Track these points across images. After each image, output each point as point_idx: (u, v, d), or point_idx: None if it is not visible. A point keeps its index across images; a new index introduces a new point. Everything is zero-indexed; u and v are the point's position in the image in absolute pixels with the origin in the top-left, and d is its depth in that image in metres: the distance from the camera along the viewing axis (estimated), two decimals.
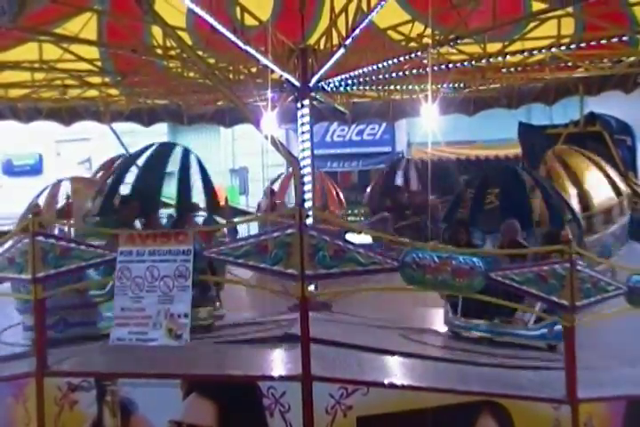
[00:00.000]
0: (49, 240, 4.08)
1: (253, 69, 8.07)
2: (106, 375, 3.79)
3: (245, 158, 16.71)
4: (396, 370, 4.17)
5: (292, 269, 3.55)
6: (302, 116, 7.08)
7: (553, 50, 7.24)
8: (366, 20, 6.12)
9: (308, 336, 3.59)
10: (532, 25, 7.06)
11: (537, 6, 6.81)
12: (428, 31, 7.00)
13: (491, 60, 7.27)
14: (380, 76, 7.52)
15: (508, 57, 7.41)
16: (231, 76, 8.11)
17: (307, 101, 7.09)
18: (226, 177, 17.40)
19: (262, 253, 3.58)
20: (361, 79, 7.51)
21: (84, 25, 7.51)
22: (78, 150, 19.82)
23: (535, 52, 7.18)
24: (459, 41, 6.91)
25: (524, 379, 4.19)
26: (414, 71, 7.35)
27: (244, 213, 9.95)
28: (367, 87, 8.48)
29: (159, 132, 16.76)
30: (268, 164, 11.59)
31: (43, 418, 3.86)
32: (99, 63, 8.24)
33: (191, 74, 7.92)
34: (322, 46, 7.54)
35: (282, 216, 5.67)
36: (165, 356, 3.96)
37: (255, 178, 15.26)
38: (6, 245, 4.28)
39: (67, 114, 10.23)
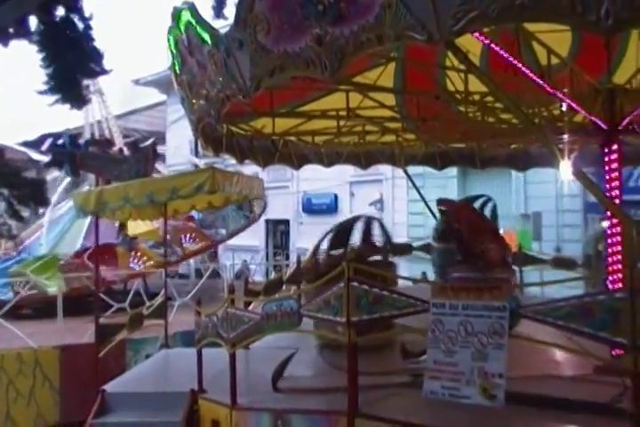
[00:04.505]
0: (363, 286, 4.27)
1: (555, 112, 7.77)
2: (414, 426, 3.82)
3: (538, 203, 16.16)
4: None
5: (621, 338, 3.24)
6: (610, 160, 6.64)
7: None
8: None
9: None
10: None
11: None
12: None
13: None
14: None
15: None
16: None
17: (615, 146, 6.64)
18: (517, 221, 16.97)
19: (586, 316, 3.34)
20: None
21: (381, 73, 7.93)
22: (370, 191, 20.86)
23: None
24: None
25: None
26: None
27: (538, 260, 9.61)
28: None
29: (448, 175, 16.99)
30: (562, 209, 11.17)
31: None
32: (396, 109, 8.60)
33: (491, 119, 7.84)
34: (633, 85, 7.05)
35: None
36: (483, 418, 3.86)
37: (548, 223, 14.72)
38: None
39: (364, 157, 10.74)
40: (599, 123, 6.60)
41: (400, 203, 19.91)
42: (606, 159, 6.69)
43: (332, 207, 22.73)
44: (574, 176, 4.22)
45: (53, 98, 8.96)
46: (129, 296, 12.70)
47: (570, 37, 7.49)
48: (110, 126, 23.24)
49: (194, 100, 6.24)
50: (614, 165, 6.66)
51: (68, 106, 9.36)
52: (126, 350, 10.74)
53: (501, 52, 5.65)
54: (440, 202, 8.07)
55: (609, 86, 6.84)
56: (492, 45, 5.43)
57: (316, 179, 20.00)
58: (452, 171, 16.55)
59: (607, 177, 6.66)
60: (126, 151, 20.41)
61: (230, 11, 10.47)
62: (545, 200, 15.75)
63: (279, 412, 4.96)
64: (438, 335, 3.76)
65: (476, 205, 10.05)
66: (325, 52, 3.88)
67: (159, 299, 9.55)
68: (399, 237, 13.91)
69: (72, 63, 7.75)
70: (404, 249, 11.27)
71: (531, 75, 5.92)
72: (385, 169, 17.49)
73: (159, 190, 7.33)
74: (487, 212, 9.52)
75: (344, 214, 19.59)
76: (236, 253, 21.80)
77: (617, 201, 6.51)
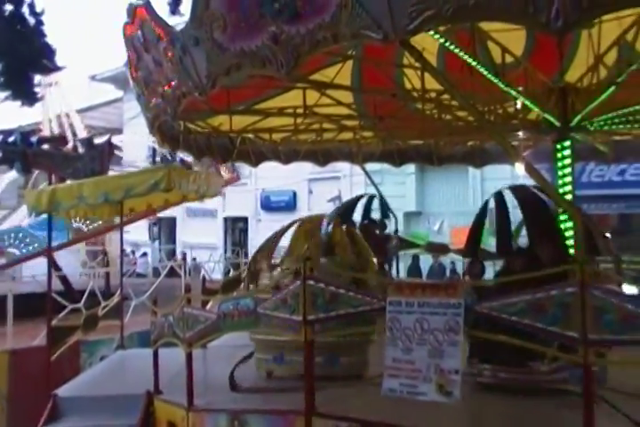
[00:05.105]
0: (319, 285, 4.27)
1: (510, 110, 7.88)
2: (372, 424, 3.83)
3: None
4: None
5: (572, 333, 3.29)
6: (563, 157, 6.77)
7: None
8: None
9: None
10: None
11: None
12: None
13: None
14: None
15: None
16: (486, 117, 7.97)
17: (567, 142, 6.78)
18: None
19: (539, 312, 3.38)
20: (632, 117, 6.99)
21: (339, 71, 7.93)
22: (329, 188, 20.88)
23: None
24: None
25: None
26: None
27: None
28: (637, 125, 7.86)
29: (407, 172, 17.11)
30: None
31: None
32: (354, 107, 8.61)
33: (448, 116, 7.91)
34: (583, 83, 7.18)
35: None
36: (440, 413, 3.88)
37: None
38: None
39: (322, 155, 10.72)
40: (552, 120, 6.73)
41: None
42: (559, 155, 6.83)
43: (291, 204, 22.70)
44: (526, 172, 4.28)
45: (3, 95, 8.71)
46: (84, 296, 12.46)
47: (524, 36, 7.60)
48: (72, 121, 22.75)
49: (150, 98, 6.16)
50: (567, 161, 6.80)
51: (18, 103, 9.11)
52: (80, 353, 10.48)
53: (456, 50, 5.72)
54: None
55: (561, 85, 6.97)
56: (447, 44, 5.48)
57: (275, 176, 19.92)
58: (410, 168, 16.67)
59: (560, 173, 6.80)
60: (80, 148, 20.07)
61: (186, 7, 10.33)
62: None
63: (236, 412, 4.92)
64: (395, 333, 3.77)
65: (362, 202, 10.16)
66: (281, 51, 3.88)
67: (115, 299, 9.42)
68: None
69: (23, 59, 7.53)
70: None
71: (486, 73, 6.00)
72: (343, 166, 17.52)
73: (114, 189, 7.22)
74: (375, 208, 9.56)
75: (303, 211, 19.60)
76: (194, 251, 21.62)
77: (569, 196, 6.65)
